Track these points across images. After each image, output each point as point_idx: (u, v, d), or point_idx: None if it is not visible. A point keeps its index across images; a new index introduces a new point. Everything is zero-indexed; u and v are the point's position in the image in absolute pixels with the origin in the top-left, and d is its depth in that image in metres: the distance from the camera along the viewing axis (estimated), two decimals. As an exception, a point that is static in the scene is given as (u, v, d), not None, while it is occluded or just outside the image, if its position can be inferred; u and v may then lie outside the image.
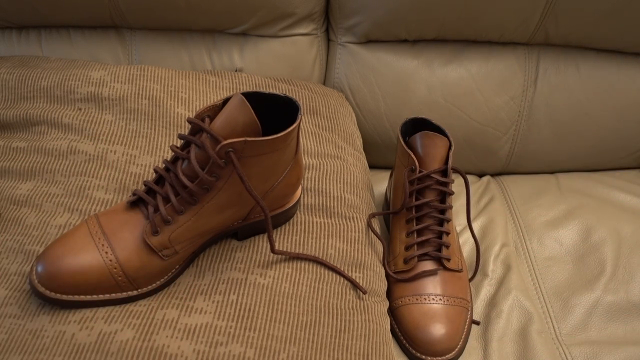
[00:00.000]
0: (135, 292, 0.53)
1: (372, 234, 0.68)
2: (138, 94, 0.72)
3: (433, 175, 0.68)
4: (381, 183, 0.90)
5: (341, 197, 0.68)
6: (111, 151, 0.66)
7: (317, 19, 0.87)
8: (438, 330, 0.63)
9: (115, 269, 0.51)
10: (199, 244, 0.57)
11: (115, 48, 0.86)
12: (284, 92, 0.73)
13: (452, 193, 0.69)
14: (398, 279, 0.67)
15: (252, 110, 0.51)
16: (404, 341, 0.65)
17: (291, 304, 0.56)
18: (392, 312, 0.67)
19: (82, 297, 0.51)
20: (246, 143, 0.50)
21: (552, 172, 0.96)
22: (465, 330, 0.66)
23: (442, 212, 0.69)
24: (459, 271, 0.68)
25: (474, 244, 0.77)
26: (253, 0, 0.81)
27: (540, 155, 0.93)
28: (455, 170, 0.69)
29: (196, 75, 0.79)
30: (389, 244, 0.72)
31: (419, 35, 0.87)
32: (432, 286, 0.66)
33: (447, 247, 0.68)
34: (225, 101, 0.54)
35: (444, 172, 0.68)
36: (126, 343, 0.49)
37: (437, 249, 0.68)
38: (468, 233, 0.80)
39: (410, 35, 0.86)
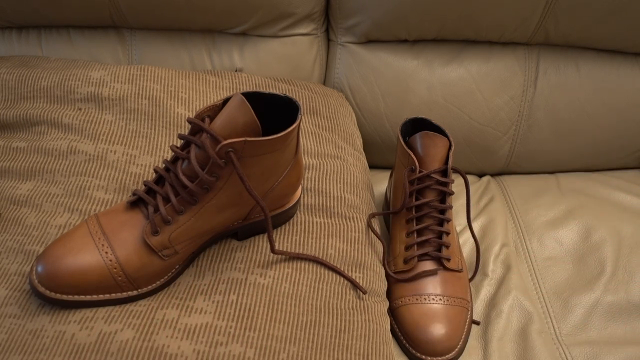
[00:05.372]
0: (135, 292, 0.53)
1: (372, 234, 0.68)
2: (138, 94, 0.72)
3: (433, 175, 0.68)
4: (381, 183, 0.90)
5: (341, 197, 0.68)
6: (111, 151, 0.66)
7: (317, 19, 0.87)
8: (438, 330, 0.63)
9: (115, 269, 0.51)
10: (199, 244, 0.57)
11: (115, 48, 0.86)
12: (284, 92, 0.73)
13: (452, 193, 0.69)
14: (398, 279, 0.67)
15: (252, 110, 0.51)
16: (404, 341, 0.65)
17: (291, 304, 0.56)
18: (392, 312, 0.67)
19: (82, 297, 0.51)
20: (246, 143, 0.50)
21: (552, 172, 0.95)
22: (465, 330, 0.66)
23: (442, 212, 0.69)
24: (459, 271, 0.68)
25: (474, 244, 0.77)
26: (253, 0, 0.81)
27: (540, 155, 0.93)
28: (455, 170, 0.69)
29: (196, 75, 0.79)
30: (389, 244, 0.72)
31: (419, 35, 0.87)
32: (432, 286, 0.66)
33: (447, 247, 0.68)
34: (225, 101, 0.54)
35: (444, 172, 0.68)
36: (126, 343, 0.49)
37: (437, 249, 0.68)
38: (468, 233, 0.80)
39: (410, 35, 0.86)
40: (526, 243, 0.81)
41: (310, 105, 0.79)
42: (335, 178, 0.70)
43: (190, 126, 0.53)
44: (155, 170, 0.55)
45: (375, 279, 0.63)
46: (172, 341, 0.50)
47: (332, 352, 0.53)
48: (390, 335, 0.62)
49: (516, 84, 0.89)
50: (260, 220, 0.60)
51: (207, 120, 0.53)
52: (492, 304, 0.71)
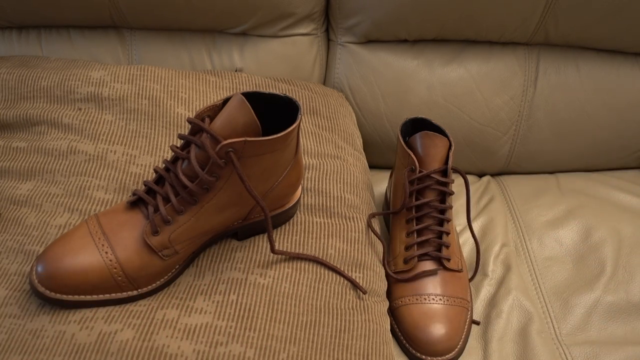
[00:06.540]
0: (135, 292, 0.53)
1: (372, 234, 0.68)
2: (138, 94, 0.72)
3: (433, 175, 0.68)
4: (381, 183, 0.90)
5: (341, 197, 0.68)
6: (111, 151, 0.66)
7: (317, 19, 0.87)
8: (438, 330, 0.63)
9: (115, 269, 0.51)
10: (199, 244, 0.57)
11: (115, 48, 0.86)
12: (284, 92, 0.73)
13: (452, 193, 0.69)
14: (398, 279, 0.67)
15: (252, 110, 0.51)
16: (404, 341, 0.65)
17: (291, 304, 0.56)
18: (392, 312, 0.67)
19: (82, 297, 0.51)
20: (246, 143, 0.50)
21: (552, 172, 0.95)
22: (465, 330, 0.66)
23: (442, 212, 0.69)
24: (459, 271, 0.68)
25: (474, 244, 0.77)
26: (253, 0, 0.81)
27: (540, 155, 0.93)
28: (455, 170, 0.69)
29: (196, 75, 0.79)
30: (389, 244, 0.72)
31: (419, 35, 0.87)
32: (432, 286, 0.66)
33: (447, 247, 0.68)
34: (225, 101, 0.54)
35: (444, 172, 0.68)
36: (126, 343, 0.49)
37: (437, 249, 0.68)
38: (468, 233, 0.80)
39: (410, 35, 0.86)
40: (526, 243, 0.81)
41: (310, 105, 0.79)
42: (335, 178, 0.70)
43: (190, 126, 0.53)
44: (155, 170, 0.55)
45: (375, 279, 0.63)
46: (172, 341, 0.50)
47: (332, 352, 0.53)
48: (390, 335, 0.62)
49: (516, 84, 0.89)
50: (260, 220, 0.60)
51: (207, 120, 0.53)
52: (492, 304, 0.71)
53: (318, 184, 0.68)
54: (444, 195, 0.69)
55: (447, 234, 0.68)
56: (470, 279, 0.72)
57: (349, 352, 0.54)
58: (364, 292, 0.60)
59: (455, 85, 0.88)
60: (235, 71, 0.84)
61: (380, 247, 0.69)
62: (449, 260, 0.67)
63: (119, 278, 0.52)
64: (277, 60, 0.87)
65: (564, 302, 0.73)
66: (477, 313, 0.70)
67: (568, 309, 0.72)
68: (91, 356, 0.48)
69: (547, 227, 0.83)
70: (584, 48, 0.89)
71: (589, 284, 0.75)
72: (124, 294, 0.53)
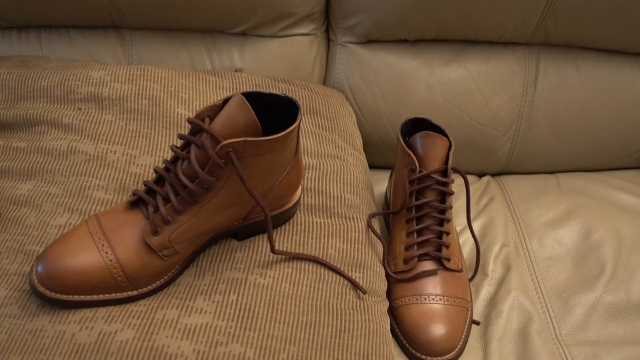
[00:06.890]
0: (135, 292, 0.53)
1: (372, 234, 0.68)
2: (138, 94, 0.72)
3: (433, 175, 0.68)
4: (381, 183, 0.90)
5: (341, 197, 0.68)
6: (111, 151, 0.66)
7: (317, 19, 0.87)
8: (438, 330, 0.63)
9: (115, 269, 0.51)
10: (199, 244, 0.57)
11: (115, 48, 0.86)
12: (284, 92, 0.73)
13: (452, 193, 0.69)
14: (398, 279, 0.67)
15: (252, 111, 0.51)
16: (404, 341, 0.65)
17: (291, 304, 0.56)
18: (392, 312, 0.67)
19: (82, 297, 0.51)
20: (246, 143, 0.50)
21: (552, 172, 0.96)
22: (465, 330, 0.66)
23: (442, 212, 0.69)
24: (459, 271, 0.68)
25: (474, 244, 0.77)
26: (253, 0, 0.81)
27: (540, 155, 0.93)
28: (455, 170, 0.69)
29: (196, 75, 0.79)
30: (389, 244, 0.72)
31: (419, 35, 0.87)
32: (432, 286, 0.66)
33: (447, 247, 0.68)
34: (225, 101, 0.54)
35: (444, 172, 0.68)
36: (126, 343, 0.49)
37: (437, 249, 0.68)
38: (468, 233, 0.80)
39: (410, 35, 0.86)
40: (526, 243, 0.81)
41: (310, 105, 0.79)
42: (335, 178, 0.70)
43: (190, 126, 0.53)
44: (155, 170, 0.55)
45: (375, 279, 0.63)
46: (172, 341, 0.50)
47: (332, 352, 0.53)
48: (390, 335, 0.62)
49: (516, 84, 0.89)
50: (260, 220, 0.60)
51: (207, 120, 0.53)
52: (492, 304, 0.71)
53: (318, 184, 0.68)
54: (444, 195, 0.69)
55: (447, 234, 0.68)
56: (470, 279, 0.72)
57: (349, 352, 0.54)
58: (364, 292, 0.60)
59: (455, 85, 0.88)
60: (235, 71, 0.84)
61: (380, 247, 0.69)
62: (449, 260, 0.67)
63: (119, 278, 0.52)
64: (277, 60, 0.87)
65: (564, 302, 0.73)
66: (477, 313, 0.70)
67: (568, 309, 0.72)
68: (91, 356, 0.48)
69: (547, 227, 0.83)
70: (584, 48, 0.89)
71: (589, 284, 0.75)
72: (124, 294, 0.53)
